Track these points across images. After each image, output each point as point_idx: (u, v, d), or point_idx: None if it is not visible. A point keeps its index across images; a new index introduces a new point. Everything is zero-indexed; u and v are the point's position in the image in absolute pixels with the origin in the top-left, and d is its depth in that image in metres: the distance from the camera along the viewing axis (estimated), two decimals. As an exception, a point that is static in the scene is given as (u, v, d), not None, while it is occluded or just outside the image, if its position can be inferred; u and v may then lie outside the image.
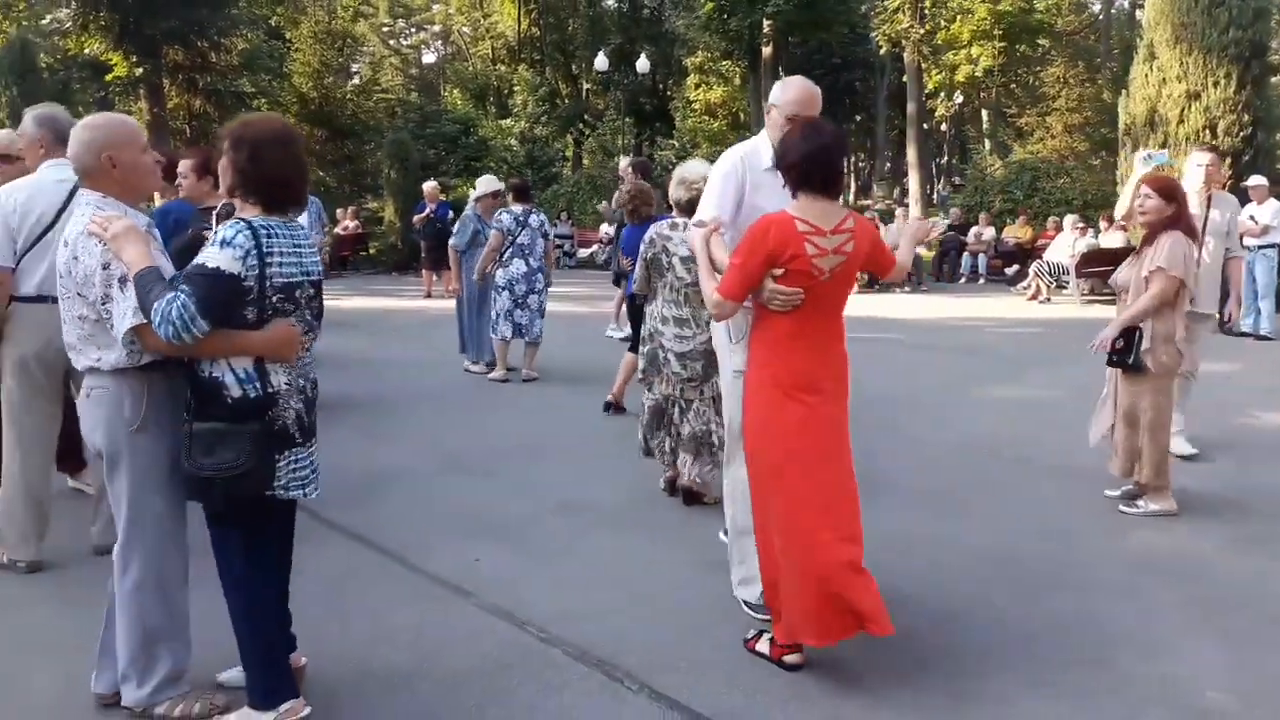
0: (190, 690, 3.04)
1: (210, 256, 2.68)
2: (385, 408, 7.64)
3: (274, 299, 2.77)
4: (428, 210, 15.80)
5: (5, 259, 4.02)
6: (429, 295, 15.55)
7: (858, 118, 40.29)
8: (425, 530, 4.78)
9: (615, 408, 7.22)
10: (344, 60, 28.96)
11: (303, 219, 3.86)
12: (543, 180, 26.04)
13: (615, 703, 3.18)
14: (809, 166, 3.21)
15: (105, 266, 2.80)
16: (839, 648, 3.33)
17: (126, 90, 23.25)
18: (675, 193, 5.11)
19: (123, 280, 2.76)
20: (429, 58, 51.02)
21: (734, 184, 3.73)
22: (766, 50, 28.04)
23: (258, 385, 2.77)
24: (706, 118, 38.02)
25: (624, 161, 11.26)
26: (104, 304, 2.82)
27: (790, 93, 3.68)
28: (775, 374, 3.31)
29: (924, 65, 26.62)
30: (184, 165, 5.29)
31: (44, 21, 22.78)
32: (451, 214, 15.71)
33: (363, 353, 9.93)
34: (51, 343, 3.92)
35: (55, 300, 3.88)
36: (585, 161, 34.48)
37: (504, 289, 8.49)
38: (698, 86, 38.22)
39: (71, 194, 4.01)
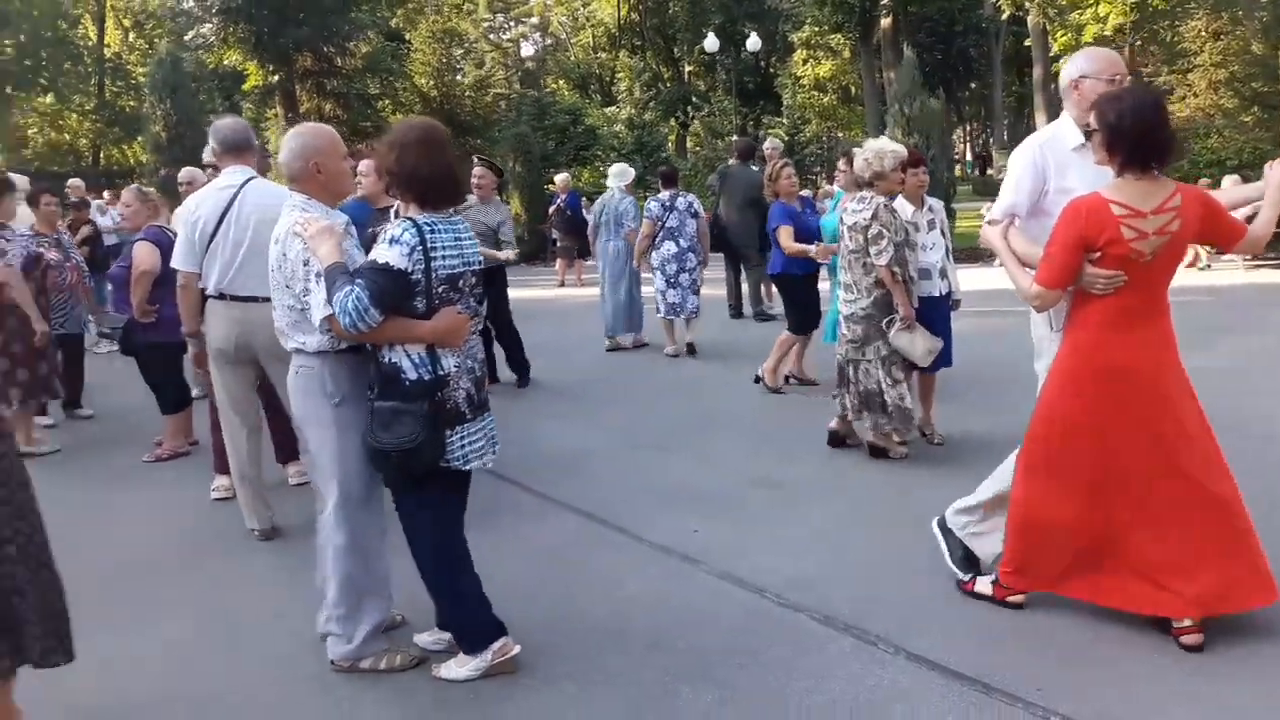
0: (390, 647, 3.31)
1: (381, 253, 2.91)
2: (554, 389, 7.85)
3: (440, 290, 2.97)
4: (559, 201, 16.08)
5: (190, 264, 4.41)
6: (562, 284, 15.84)
7: (972, 85, 39.22)
8: (633, 502, 4.91)
9: (771, 385, 7.28)
10: (460, 58, 29.63)
11: None
12: (653, 165, 26.17)
13: (874, 665, 3.23)
14: (1141, 139, 3.08)
15: (305, 263, 3.12)
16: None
17: (263, 98, 24.31)
18: (859, 167, 5.29)
19: (318, 275, 3.03)
20: (527, 50, 51.76)
21: (1033, 175, 3.62)
22: (885, 21, 27.52)
23: (430, 369, 2.98)
24: (815, 93, 37.54)
25: (768, 143, 11.24)
26: (304, 295, 3.14)
27: (1100, 60, 3.58)
28: (1088, 359, 3.27)
29: (1049, 26, 25.69)
30: (364, 166, 5.57)
31: (188, 37, 23.98)
32: (585, 201, 15.96)
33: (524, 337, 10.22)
34: (233, 334, 4.34)
35: (234, 298, 4.31)
36: (689, 144, 34.48)
37: (657, 269, 8.87)
38: (805, 62, 37.75)
39: (231, 200, 4.35)
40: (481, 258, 3.19)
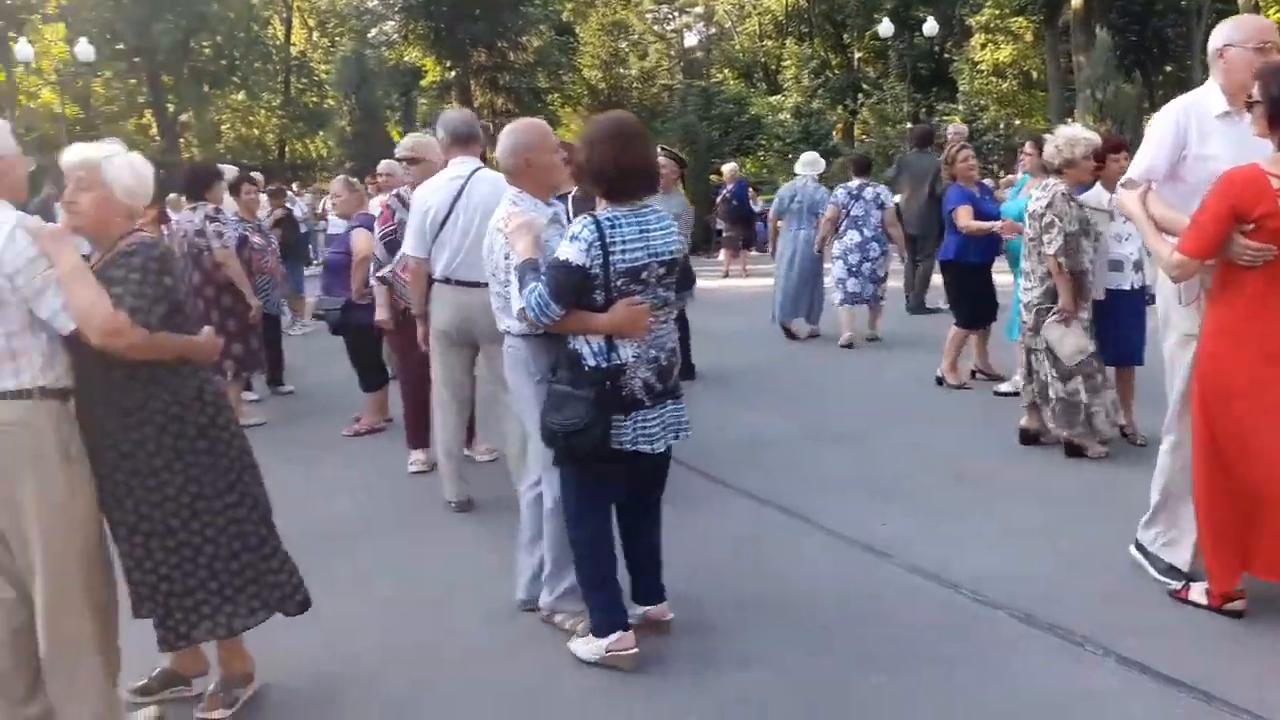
0: (583, 610, 3.40)
1: (562, 250, 3.07)
2: (730, 378, 7.93)
3: (618, 283, 3.07)
4: (725, 191, 16.15)
5: (420, 250, 4.67)
6: (727, 274, 15.90)
7: (1168, 68, 36.82)
8: (815, 493, 4.94)
9: (954, 383, 7.13)
10: (629, 50, 30.12)
11: None
12: (822, 155, 25.82)
13: (1081, 667, 3.16)
14: None
15: (506, 257, 3.38)
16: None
17: (440, 93, 25.44)
18: (1048, 154, 5.28)
19: (516, 269, 3.22)
20: (690, 40, 51.88)
21: (1173, 137, 3.59)
22: (1075, 2, 26.26)
23: (607, 357, 3.12)
24: (994, 79, 36.11)
25: (952, 128, 11.00)
26: (505, 287, 3.41)
27: (1247, 27, 3.53)
28: (1240, 338, 3.19)
29: (1260, 2, 23.94)
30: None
31: (371, 35, 25.32)
32: (751, 191, 15.97)
33: (694, 326, 10.37)
34: (456, 318, 4.58)
35: (459, 282, 4.53)
36: (856, 131, 33.88)
37: (839, 258, 8.95)
38: (983, 46, 36.37)
39: (460, 190, 4.56)
40: (675, 247, 3.24)
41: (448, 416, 4.87)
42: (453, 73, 23.52)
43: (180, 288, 2.85)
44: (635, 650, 3.25)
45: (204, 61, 32.33)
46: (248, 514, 2.94)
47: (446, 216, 4.56)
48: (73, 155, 2.80)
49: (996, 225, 6.51)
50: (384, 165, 7.59)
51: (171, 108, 32.18)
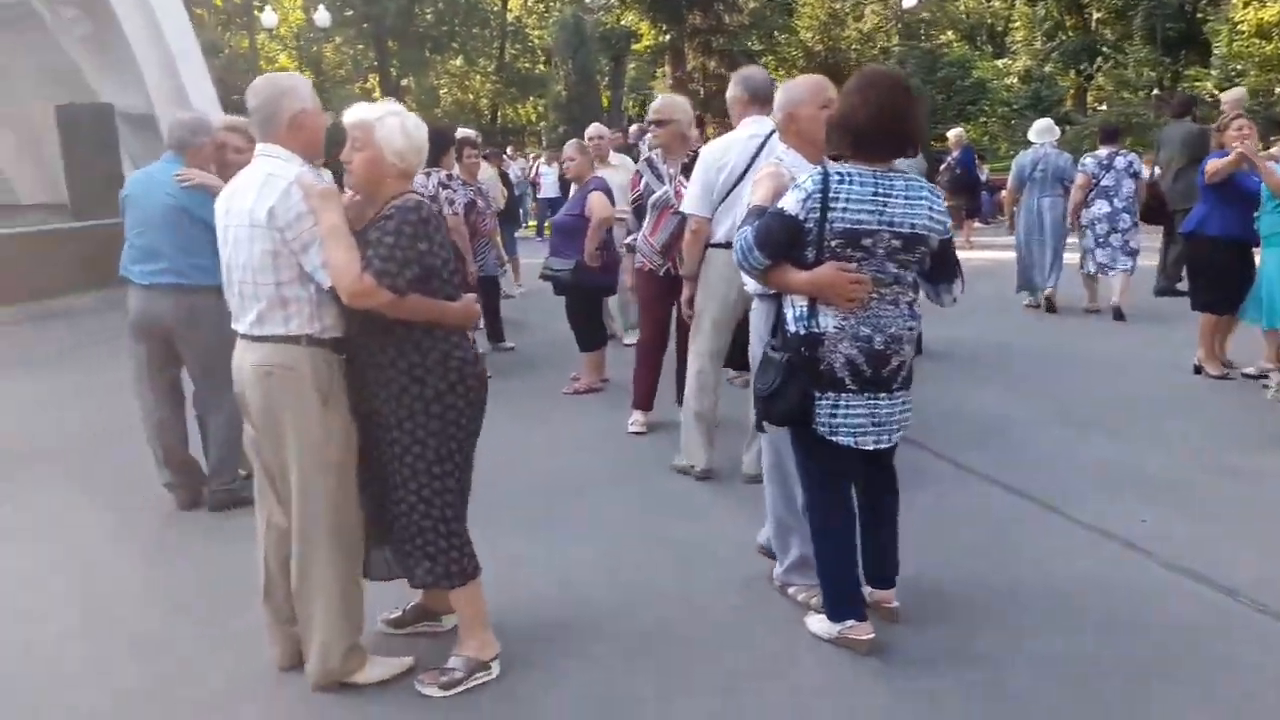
0: (815, 583, 3.33)
1: (783, 198, 2.99)
2: (967, 353, 7.62)
3: (833, 244, 2.90)
4: (950, 158, 15.50)
5: (704, 209, 4.54)
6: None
7: None
8: (1064, 480, 4.67)
9: (1215, 373, 6.57)
10: (848, 11, 29.28)
11: None
12: (1055, 122, 24.34)
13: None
14: None
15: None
16: None
17: (654, 57, 25.67)
18: None
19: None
20: (909, 1, 49.89)
21: None
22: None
23: (806, 324, 2.99)
24: (1257, 41, 32.87)
25: (1230, 93, 10.10)
26: None
27: None
28: None
29: None
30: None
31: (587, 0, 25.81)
32: (977, 159, 15.25)
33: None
34: (733, 284, 4.39)
35: None
36: (1090, 99, 31.72)
37: (1086, 228, 8.74)
38: (1246, 4, 33.15)
39: (759, 149, 4.40)
40: (921, 221, 2.97)
41: (706, 383, 4.79)
42: (667, 36, 23.61)
43: (438, 252, 2.83)
44: (870, 637, 3.13)
45: (426, 27, 33.94)
46: (454, 484, 2.95)
47: (742, 175, 4.41)
48: (351, 115, 2.86)
49: (1231, 159, 6.02)
50: (593, 129, 7.75)
51: (394, 72, 33.95)
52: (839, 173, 2.93)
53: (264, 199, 2.81)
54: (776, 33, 26.17)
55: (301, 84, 2.96)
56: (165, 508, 4.68)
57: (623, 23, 24.18)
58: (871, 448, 3.06)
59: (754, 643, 3.27)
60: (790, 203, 2.95)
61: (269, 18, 24.53)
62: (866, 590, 3.31)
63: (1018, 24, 32.34)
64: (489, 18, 36.73)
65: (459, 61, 36.86)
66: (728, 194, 4.47)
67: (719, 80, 24.46)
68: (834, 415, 3.01)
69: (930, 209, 3.00)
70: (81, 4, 12.81)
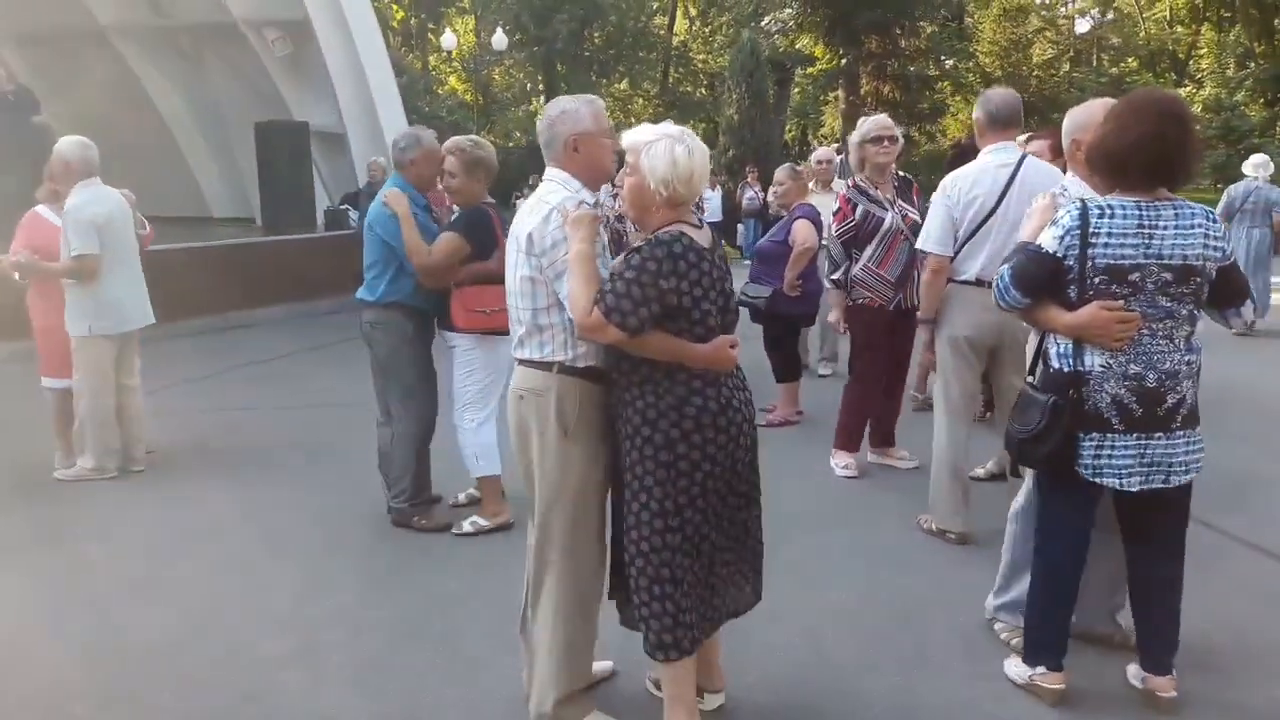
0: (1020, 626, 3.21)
1: (1042, 234, 2.86)
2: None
3: (1096, 280, 2.76)
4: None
5: (945, 247, 4.25)
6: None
7: None
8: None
9: None
10: (1032, 36, 28.30)
11: None
12: (1244, 153, 22.79)
13: None
14: None
15: None
16: None
17: (826, 81, 25.42)
18: None
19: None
20: (1082, 26, 48.12)
21: None
22: None
23: (1070, 361, 2.85)
24: None
25: None
26: None
27: None
28: None
29: None
30: (1035, 145, 5.30)
31: (764, 23, 25.80)
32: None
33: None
34: (987, 323, 4.14)
35: (990, 285, 4.10)
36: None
37: None
38: None
39: (1010, 180, 4.12)
40: (1195, 252, 2.75)
41: (956, 433, 4.39)
42: (843, 60, 23.32)
43: (689, 291, 2.64)
44: (1060, 687, 3.03)
45: (594, 51, 34.62)
46: (679, 543, 2.73)
47: (993, 209, 4.14)
48: (627, 137, 2.77)
49: None
50: (823, 153, 7.56)
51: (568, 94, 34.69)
52: (1098, 206, 2.78)
53: (528, 224, 2.80)
54: (954, 59, 25.46)
55: (584, 107, 2.87)
56: (381, 524, 4.78)
57: (797, 46, 23.99)
58: (1138, 489, 2.85)
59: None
60: (1047, 239, 2.83)
61: (448, 40, 25.43)
62: (1138, 676, 3.08)
63: (1204, 50, 30.46)
64: (655, 42, 37.20)
65: (624, 85, 37.42)
66: (976, 230, 4.18)
67: (891, 106, 24.03)
68: (1098, 456, 2.85)
69: (1206, 236, 2.79)
70: (284, 26, 13.49)
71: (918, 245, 4.55)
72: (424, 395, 4.70)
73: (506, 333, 4.16)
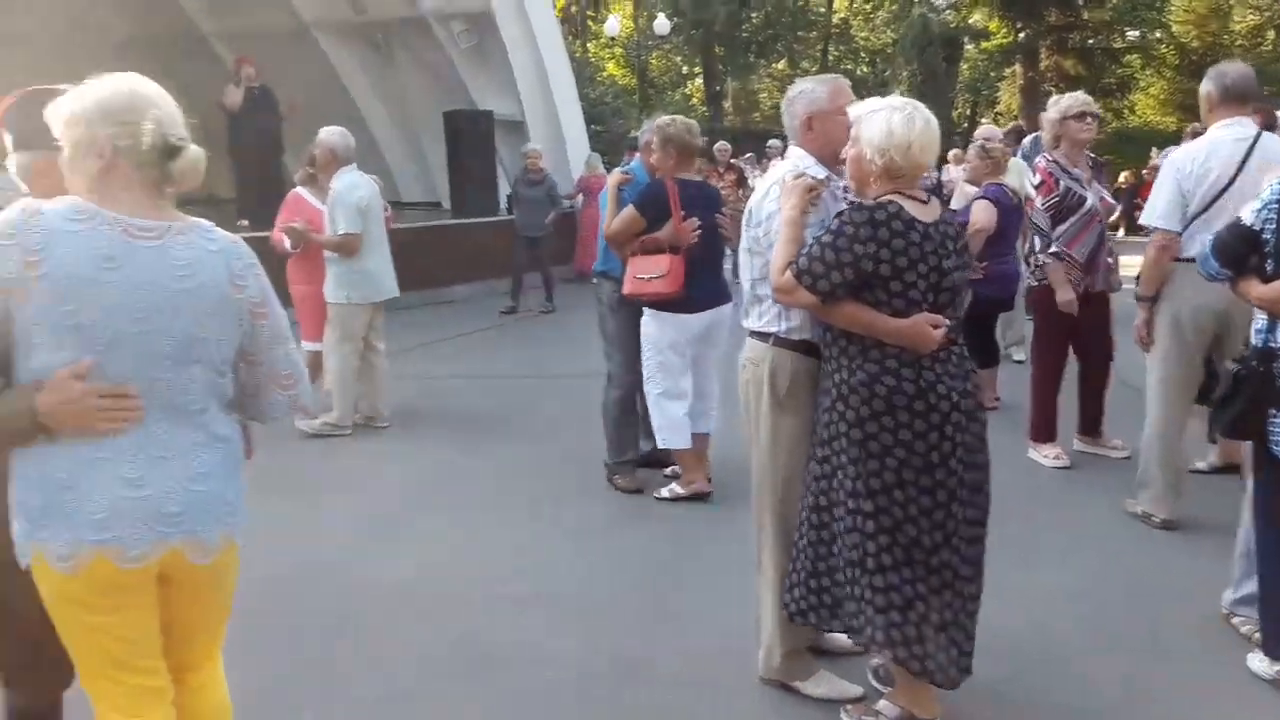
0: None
1: (1244, 207, 3.00)
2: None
3: None
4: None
5: (1175, 223, 4.22)
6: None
7: None
8: None
9: None
10: (1232, 2, 26.62)
11: None
12: None
13: None
14: None
15: None
16: None
17: (1003, 57, 24.72)
18: None
19: None
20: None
21: None
22: None
23: (1264, 337, 2.92)
24: None
25: None
26: None
27: None
28: None
29: None
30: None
31: (936, -1, 25.27)
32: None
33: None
34: (1204, 306, 4.16)
35: None
36: None
37: None
38: None
39: (1246, 154, 4.09)
40: None
41: (1168, 413, 4.37)
42: (1021, 34, 22.61)
43: (891, 260, 2.59)
44: None
45: (752, 32, 34.59)
46: (879, 528, 2.66)
47: (1228, 185, 4.09)
48: (852, 110, 2.81)
49: None
50: (983, 130, 7.53)
51: (726, 78, 34.85)
52: None
53: (753, 199, 3.04)
54: (1145, 29, 24.25)
55: (821, 86, 3.03)
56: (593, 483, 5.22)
57: (969, 21, 23.40)
58: None
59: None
60: (1247, 211, 2.96)
61: (611, 25, 25.94)
62: None
63: None
64: (815, 21, 36.84)
65: (782, 65, 37.23)
66: (1208, 206, 4.16)
67: (1074, 82, 23.04)
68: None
69: None
70: (469, 18, 14.18)
71: (1142, 220, 4.54)
72: (624, 361, 5.07)
73: (667, 302, 4.65)
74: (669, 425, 4.84)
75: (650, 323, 4.79)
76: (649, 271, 4.62)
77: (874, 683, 3.10)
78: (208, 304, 1.99)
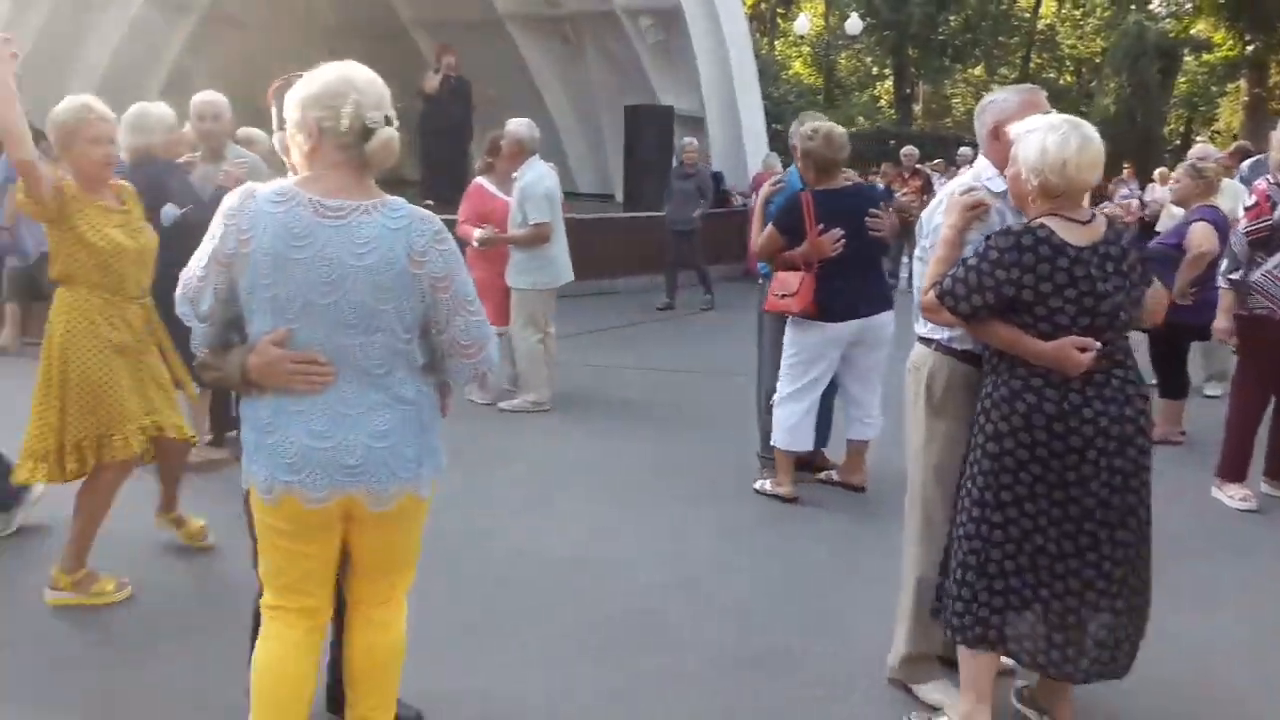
0: None
1: None
2: None
3: None
4: None
5: None
6: None
7: None
8: None
9: None
10: None
11: None
12: None
13: None
14: None
15: None
16: None
17: (1227, 71, 23.19)
18: None
19: None
20: None
21: None
22: None
23: None
24: None
25: None
26: None
27: None
28: None
29: None
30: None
31: (1153, 4, 23.95)
32: None
33: None
34: None
35: None
36: None
37: None
38: None
39: None
40: None
41: None
42: (1250, 47, 21.07)
43: (1034, 286, 2.59)
44: None
45: (948, 35, 33.57)
46: (995, 539, 2.68)
47: None
48: (1012, 129, 2.78)
49: None
50: (1199, 150, 7.08)
51: (918, 81, 34.03)
52: None
53: (929, 208, 3.10)
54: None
55: (1015, 95, 2.98)
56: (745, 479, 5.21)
57: (1191, 31, 21.95)
58: None
59: None
60: None
61: (801, 24, 25.73)
62: None
63: None
64: (1018, 27, 35.44)
65: (979, 70, 36.02)
66: None
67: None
68: None
69: None
70: (659, 14, 14.37)
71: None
72: (773, 360, 5.12)
73: (801, 314, 4.74)
74: (781, 426, 4.95)
75: (796, 329, 4.91)
76: (782, 289, 4.82)
77: (1015, 703, 3.06)
78: (385, 278, 2.16)
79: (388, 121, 2.18)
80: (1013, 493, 2.65)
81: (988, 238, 2.68)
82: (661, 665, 3.34)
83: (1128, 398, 2.65)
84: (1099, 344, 2.59)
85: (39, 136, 3.53)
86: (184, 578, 3.95)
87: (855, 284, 4.77)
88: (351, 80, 2.16)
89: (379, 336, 2.19)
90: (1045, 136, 2.59)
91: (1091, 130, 2.63)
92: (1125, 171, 17.39)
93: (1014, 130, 2.71)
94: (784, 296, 4.79)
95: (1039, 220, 2.63)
